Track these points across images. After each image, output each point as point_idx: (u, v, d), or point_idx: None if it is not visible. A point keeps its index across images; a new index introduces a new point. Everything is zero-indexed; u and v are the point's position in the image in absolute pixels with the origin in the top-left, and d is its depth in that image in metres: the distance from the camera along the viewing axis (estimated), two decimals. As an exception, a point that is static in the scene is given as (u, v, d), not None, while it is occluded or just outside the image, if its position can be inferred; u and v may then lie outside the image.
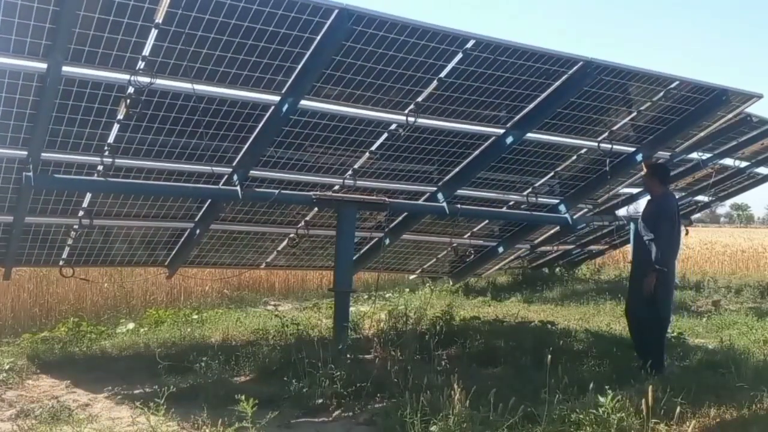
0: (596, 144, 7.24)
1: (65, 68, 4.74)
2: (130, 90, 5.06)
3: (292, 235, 7.76)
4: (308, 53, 5.12)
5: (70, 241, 6.91)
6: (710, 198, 12.95)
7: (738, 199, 69.96)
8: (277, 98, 5.59)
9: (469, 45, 5.42)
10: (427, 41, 5.23)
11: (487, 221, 8.77)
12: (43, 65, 4.69)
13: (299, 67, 5.25)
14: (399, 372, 5.35)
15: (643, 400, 4.03)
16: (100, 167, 5.77)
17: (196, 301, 10.52)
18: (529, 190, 7.92)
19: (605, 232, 13.05)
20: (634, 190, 11.16)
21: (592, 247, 14.37)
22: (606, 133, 7.12)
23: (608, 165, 7.44)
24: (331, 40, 4.96)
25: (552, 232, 11.65)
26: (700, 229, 36.27)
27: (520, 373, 5.95)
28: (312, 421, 4.94)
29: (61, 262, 7.23)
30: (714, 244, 22.50)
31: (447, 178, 7.26)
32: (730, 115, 7.56)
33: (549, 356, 4.74)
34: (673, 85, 6.59)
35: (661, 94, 6.68)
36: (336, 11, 4.81)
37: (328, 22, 4.88)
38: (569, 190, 8.19)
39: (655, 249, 6.03)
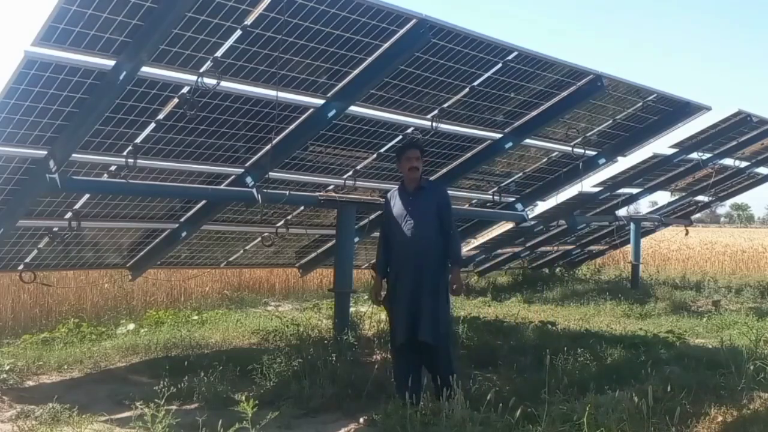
0: (570, 148, 7.91)
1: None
2: (184, 90, 4.94)
3: (266, 234, 7.69)
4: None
5: (41, 245, 6.38)
6: (710, 198, 12.98)
7: (738, 199, 69.87)
8: (320, 101, 5.60)
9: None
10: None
11: None
12: (110, 62, 4.44)
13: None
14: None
15: (644, 401, 4.03)
16: (113, 168, 5.51)
17: (196, 302, 10.50)
18: (495, 189, 8.46)
19: (605, 232, 13.08)
20: (635, 190, 11.20)
21: (592, 248, 14.39)
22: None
23: (581, 166, 8.14)
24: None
25: (554, 233, 11.69)
26: (700, 229, 36.27)
27: (520, 373, 5.94)
28: (312, 421, 4.94)
29: (21, 266, 6.65)
30: (714, 244, 22.48)
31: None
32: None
33: (549, 356, 4.73)
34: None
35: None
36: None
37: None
38: (525, 189, 8.77)
39: (454, 245, 5.26)
